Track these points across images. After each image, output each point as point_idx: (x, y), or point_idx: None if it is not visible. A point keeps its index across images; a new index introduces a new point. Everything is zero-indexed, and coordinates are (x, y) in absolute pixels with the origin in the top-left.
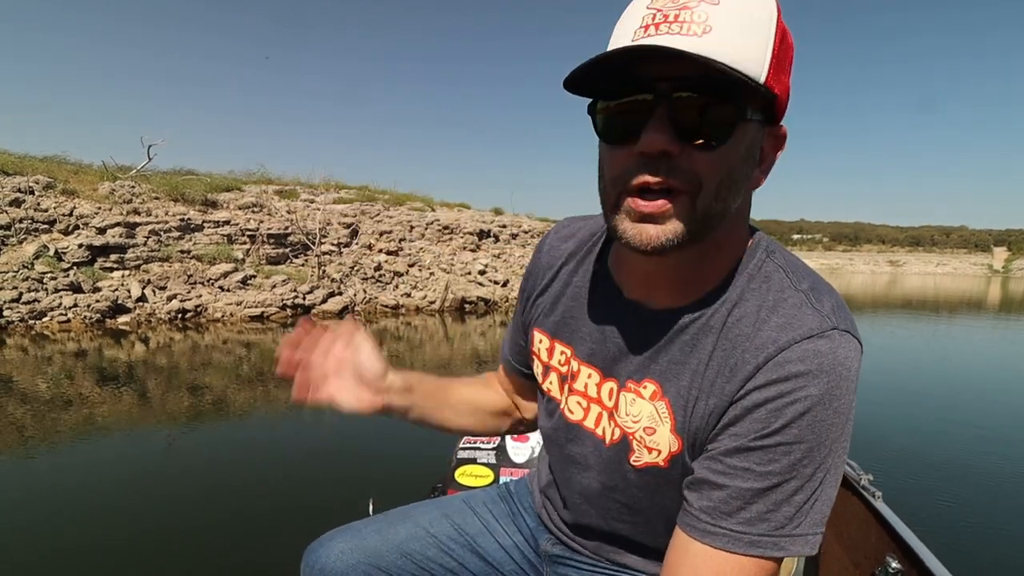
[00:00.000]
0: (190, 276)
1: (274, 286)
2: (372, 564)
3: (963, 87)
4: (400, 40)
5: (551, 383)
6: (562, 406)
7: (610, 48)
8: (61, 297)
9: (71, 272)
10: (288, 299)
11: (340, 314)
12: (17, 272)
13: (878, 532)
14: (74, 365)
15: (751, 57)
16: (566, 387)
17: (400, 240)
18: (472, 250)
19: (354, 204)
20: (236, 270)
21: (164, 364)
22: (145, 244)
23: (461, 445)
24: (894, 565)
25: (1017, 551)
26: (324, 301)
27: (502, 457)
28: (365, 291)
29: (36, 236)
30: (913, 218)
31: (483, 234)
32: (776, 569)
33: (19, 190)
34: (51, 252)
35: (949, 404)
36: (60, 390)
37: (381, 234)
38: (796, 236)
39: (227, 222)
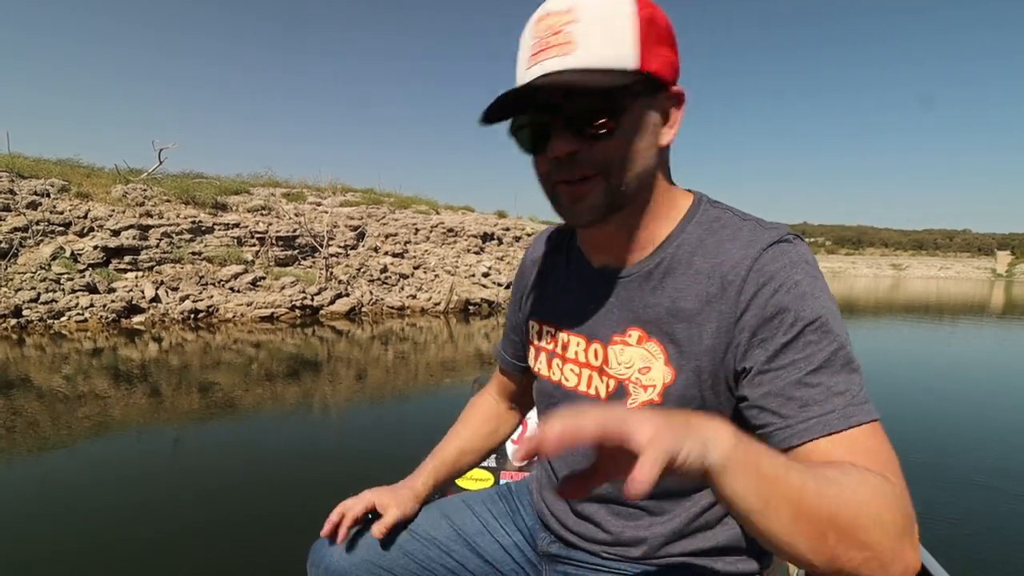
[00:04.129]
0: (202, 277)
1: (283, 287)
2: (375, 563)
3: (968, 89)
4: (404, 43)
5: (542, 362)
6: (557, 378)
7: (518, 72)
8: (78, 297)
9: (87, 273)
10: (297, 300)
11: (348, 315)
12: (35, 273)
13: None
14: (91, 364)
15: (617, 54)
16: (556, 360)
17: (405, 243)
18: (476, 252)
19: (360, 207)
20: (246, 271)
21: (177, 363)
22: (157, 246)
23: None
24: None
25: (1017, 551)
26: (332, 302)
27: (502, 460)
28: (371, 293)
29: (52, 238)
30: (917, 221)
31: (487, 237)
32: (880, 434)
33: (35, 193)
34: (67, 254)
35: (949, 405)
36: (78, 388)
37: (387, 237)
38: None
39: (236, 224)
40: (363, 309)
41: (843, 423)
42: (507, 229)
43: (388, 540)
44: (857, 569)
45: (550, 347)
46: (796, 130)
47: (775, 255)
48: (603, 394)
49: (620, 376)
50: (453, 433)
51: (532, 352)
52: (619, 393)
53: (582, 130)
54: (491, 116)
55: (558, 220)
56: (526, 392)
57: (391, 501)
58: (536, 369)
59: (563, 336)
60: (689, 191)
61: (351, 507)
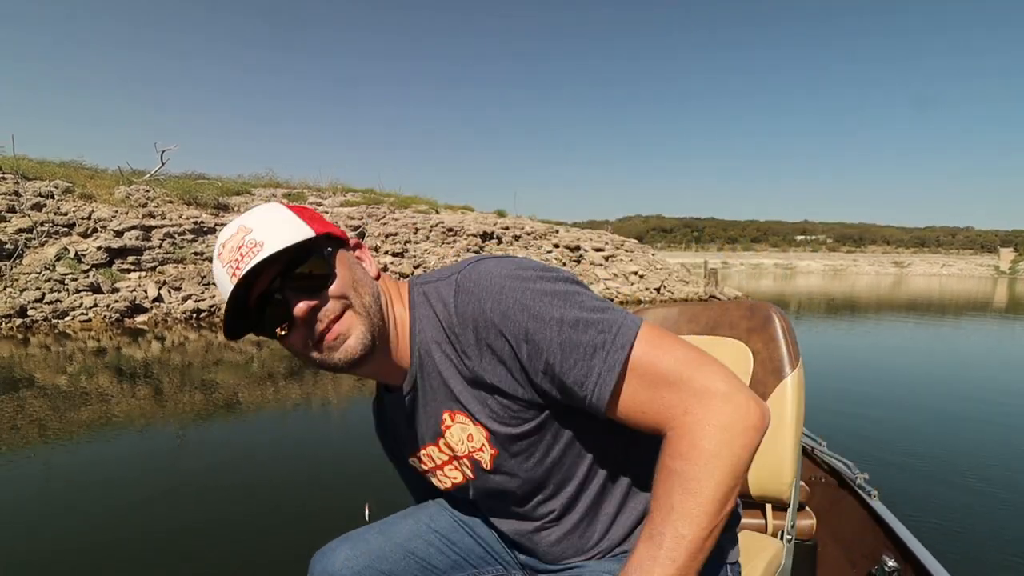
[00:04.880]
0: (204, 277)
1: None
2: (377, 568)
3: (971, 86)
4: (402, 44)
5: (435, 478)
6: (448, 484)
7: (226, 306)
8: (82, 297)
9: (91, 273)
10: None
11: None
12: (40, 273)
13: (874, 531)
14: (95, 363)
15: (296, 231)
16: (438, 472)
17: (405, 242)
18: (476, 251)
19: (360, 207)
20: None
21: (180, 362)
22: (160, 246)
23: None
24: (890, 563)
25: (1013, 549)
26: None
27: None
28: None
29: (57, 239)
30: (919, 219)
31: (486, 236)
32: (647, 341)
33: (40, 194)
34: (71, 254)
35: (946, 404)
36: (82, 387)
37: (387, 236)
38: (800, 237)
39: None
40: None
41: (613, 375)
42: (506, 228)
43: (391, 550)
44: (747, 452)
45: (432, 465)
46: (798, 127)
47: (464, 299)
48: (471, 474)
49: (465, 453)
50: None
51: (431, 479)
52: (476, 466)
53: (313, 287)
54: (238, 332)
55: (559, 220)
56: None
57: None
58: (443, 487)
59: (424, 453)
60: (403, 283)
61: None
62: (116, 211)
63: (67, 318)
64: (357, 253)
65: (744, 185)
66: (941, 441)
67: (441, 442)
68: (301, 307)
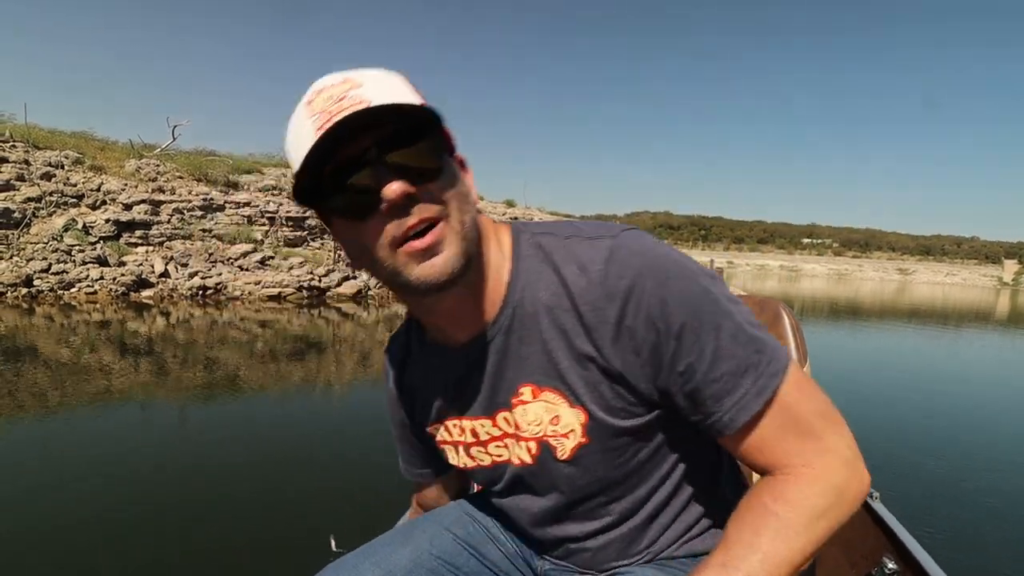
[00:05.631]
0: (211, 254)
1: (291, 268)
2: None
3: (982, 98)
4: (412, 30)
5: (462, 456)
6: (487, 462)
7: (300, 158)
8: (88, 269)
9: (98, 246)
10: (305, 281)
11: (354, 297)
12: (47, 244)
13: (874, 533)
14: (99, 335)
15: (412, 100)
16: (473, 448)
17: None
18: None
19: None
20: (255, 251)
21: (184, 339)
22: (168, 222)
23: None
24: (890, 566)
25: (1013, 552)
26: (339, 284)
27: None
28: None
29: (65, 210)
30: (925, 227)
31: None
32: (796, 384)
33: (50, 164)
34: (79, 226)
35: (947, 408)
36: (85, 359)
37: None
38: (806, 240)
39: (247, 203)
40: (370, 292)
41: (758, 403)
42: (515, 218)
43: (401, 553)
44: (846, 520)
45: (462, 439)
46: (805, 132)
47: (618, 270)
48: (529, 459)
49: (535, 435)
50: None
51: (449, 453)
52: (544, 451)
53: (413, 171)
54: (310, 195)
55: (568, 211)
56: (445, 495)
57: None
58: (463, 465)
59: (467, 424)
60: (503, 224)
61: None
62: (126, 184)
63: (73, 289)
64: (465, 174)
65: (752, 186)
66: (942, 444)
67: (501, 416)
68: (395, 188)
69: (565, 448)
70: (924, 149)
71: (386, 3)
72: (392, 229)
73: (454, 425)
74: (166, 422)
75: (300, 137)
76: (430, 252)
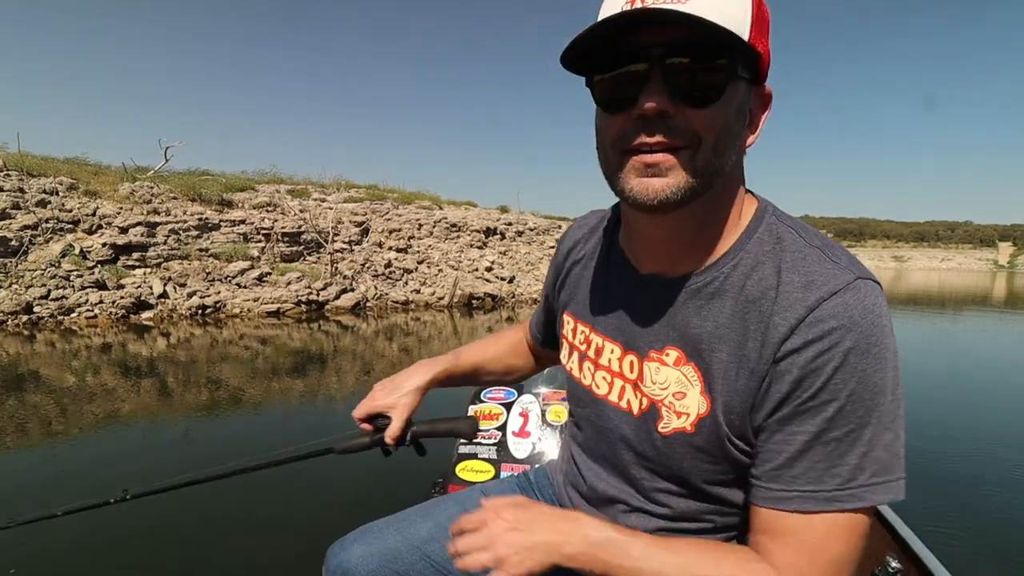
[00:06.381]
0: (209, 273)
1: (289, 283)
2: (391, 568)
3: (969, 82)
4: (405, 42)
5: (574, 362)
6: (588, 382)
7: (606, 11)
8: (87, 294)
9: (96, 270)
10: (303, 295)
11: (353, 309)
12: (45, 270)
13: (878, 531)
14: (101, 359)
15: (734, 17)
16: (587, 364)
17: (409, 238)
18: (479, 247)
19: (364, 203)
20: (252, 267)
21: (186, 358)
22: (165, 243)
23: (461, 441)
24: (894, 564)
25: (1017, 549)
26: (337, 297)
27: (503, 452)
28: (376, 287)
29: (62, 235)
30: (918, 213)
31: (490, 232)
32: (867, 522)
33: (44, 191)
34: (76, 251)
35: (951, 403)
36: (88, 383)
37: (391, 232)
38: None
39: (243, 221)
40: (368, 304)
41: (822, 505)
42: (509, 224)
43: (407, 551)
44: None
45: (583, 348)
46: (798, 121)
47: (835, 310)
48: (636, 410)
49: (654, 396)
50: (479, 346)
51: (565, 349)
52: (652, 413)
53: (684, 90)
54: (574, 60)
55: (562, 216)
56: (544, 358)
57: (394, 402)
58: (568, 368)
59: (597, 340)
60: (755, 197)
61: (360, 415)
62: (121, 208)
63: (73, 314)
64: (759, 107)
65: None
66: (945, 441)
67: (629, 358)
68: (655, 101)
69: (670, 424)
70: (913, 135)
71: (380, 13)
72: (633, 135)
73: (584, 332)
74: (171, 442)
75: (610, 2)
76: (654, 171)
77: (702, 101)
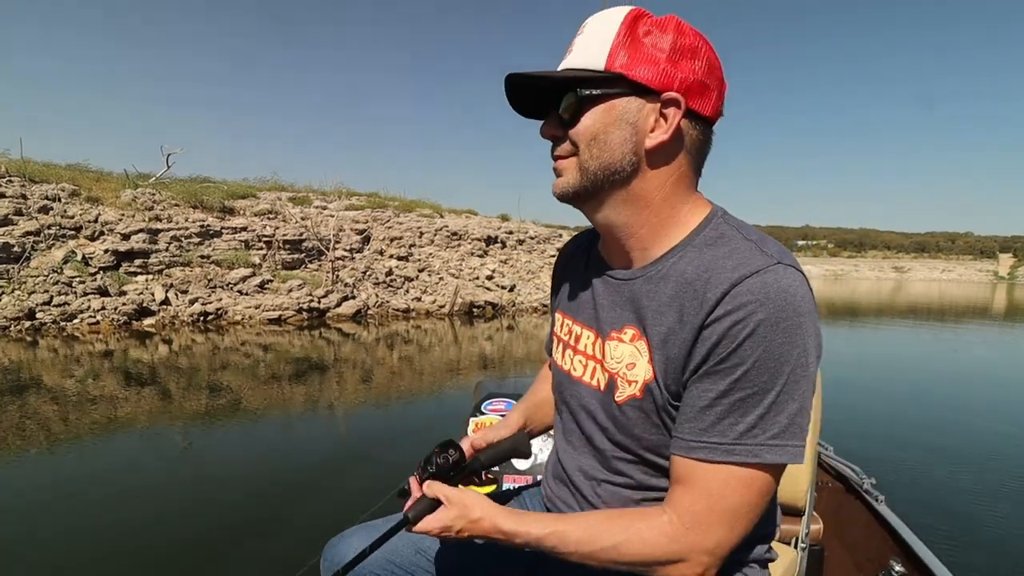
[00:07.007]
0: (210, 280)
1: (290, 290)
2: (389, 560)
3: (972, 92)
4: (404, 49)
5: (559, 352)
6: (567, 367)
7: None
8: (89, 300)
9: (98, 276)
10: (304, 303)
11: (354, 317)
12: (47, 276)
13: (881, 535)
14: (103, 365)
15: (591, 54)
16: (568, 351)
17: (410, 246)
18: (480, 256)
19: (365, 211)
20: (254, 275)
21: (187, 365)
22: (167, 249)
23: None
24: (897, 568)
25: (1019, 553)
26: (338, 305)
27: (506, 465)
28: (377, 295)
29: (64, 242)
30: (919, 224)
31: (490, 240)
32: (770, 482)
33: (47, 197)
34: (79, 257)
35: (953, 410)
36: (90, 389)
37: (392, 240)
38: (801, 242)
39: (244, 228)
40: (369, 311)
41: (723, 456)
42: (510, 232)
43: (403, 545)
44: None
45: (566, 338)
46: (798, 132)
47: (753, 287)
48: (601, 386)
49: (612, 370)
50: (526, 400)
51: (555, 343)
52: (611, 385)
53: (565, 117)
54: (524, 108)
55: (562, 225)
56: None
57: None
58: (555, 359)
59: (576, 328)
60: (709, 204)
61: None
62: (123, 214)
63: (75, 321)
64: (661, 113)
65: (746, 190)
66: (947, 446)
67: (599, 343)
68: (544, 129)
69: (623, 392)
70: (915, 146)
71: (384, 20)
72: (552, 151)
73: (567, 324)
74: (173, 448)
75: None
76: (557, 173)
77: (571, 123)
